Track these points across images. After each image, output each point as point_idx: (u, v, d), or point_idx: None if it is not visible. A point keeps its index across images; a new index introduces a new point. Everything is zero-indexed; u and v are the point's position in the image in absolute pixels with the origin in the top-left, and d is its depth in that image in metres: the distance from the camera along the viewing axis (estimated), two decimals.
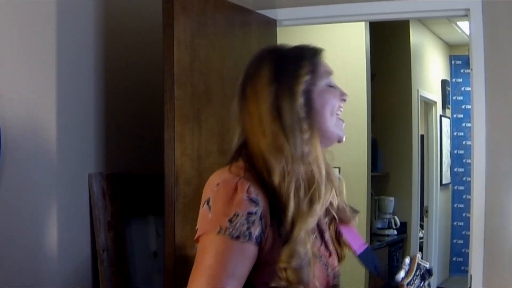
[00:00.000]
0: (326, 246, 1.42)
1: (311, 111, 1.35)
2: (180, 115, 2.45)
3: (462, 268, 6.83)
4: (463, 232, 6.99)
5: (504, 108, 2.78)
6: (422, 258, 1.50)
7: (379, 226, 5.70)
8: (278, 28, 3.17)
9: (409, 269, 1.42)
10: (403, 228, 5.74)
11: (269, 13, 3.10)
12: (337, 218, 1.48)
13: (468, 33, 2.95)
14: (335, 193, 1.46)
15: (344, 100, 1.45)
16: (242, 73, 1.44)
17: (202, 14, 2.63)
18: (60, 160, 2.49)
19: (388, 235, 5.57)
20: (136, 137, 2.98)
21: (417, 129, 5.74)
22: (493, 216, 2.75)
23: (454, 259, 7.13)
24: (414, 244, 5.73)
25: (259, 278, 1.29)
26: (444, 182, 6.74)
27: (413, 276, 1.42)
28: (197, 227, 1.30)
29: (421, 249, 5.98)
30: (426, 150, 6.38)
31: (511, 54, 2.76)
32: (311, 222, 1.30)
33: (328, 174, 1.41)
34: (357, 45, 4.79)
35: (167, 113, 2.44)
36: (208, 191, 1.30)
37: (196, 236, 1.29)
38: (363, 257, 1.49)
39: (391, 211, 5.72)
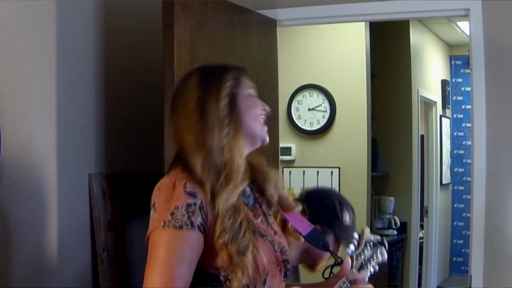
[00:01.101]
0: (271, 227, 1.58)
1: (233, 110, 1.51)
2: None
3: (462, 268, 6.83)
4: (463, 232, 6.99)
5: (504, 108, 2.78)
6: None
7: (379, 226, 5.70)
8: (278, 28, 3.17)
9: (358, 243, 1.62)
10: (403, 228, 5.73)
11: (269, 13, 3.10)
12: (280, 208, 1.64)
13: (468, 33, 2.95)
14: (273, 186, 1.63)
15: (265, 110, 1.59)
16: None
17: (202, 14, 2.63)
18: (60, 160, 2.49)
19: (388, 235, 5.56)
20: (136, 137, 2.98)
21: (417, 129, 5.73)
22: (493, 216, 2.75)
23: (454, 259, 7.13)
24: (414, 244, 5.73)
25: (210, 263, 1.42)
26: (444, 182, 6.74)
27: (363, 248, 1.61)
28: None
29: (421, 249, 5.98)
30: (426, 150, 6.38)
31: (511, 54, 2.76)
32: (228, 199, 1.43)
33: (253, 167, 1.59)
34: (357, 45, 4.79)
35: (167, 113, 2.44)
36: (153, 196, 1.46)
37: (146, 235, 1.44)
38: (310, 238, 1.67)
39: (391, 211, 5.71)
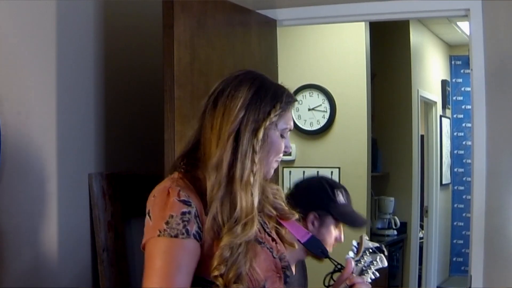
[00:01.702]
0: (269, 235, 1.56)
1: (265, 146, 1.45)
2: (180, 115, 2.45)
3: (462, 268, 6.83)
4: (463, 232, 6.99)
5: (504, 108, 2.78)
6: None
7: (379, 226, 5.70)
8: (278, 28, 3.17)
9: (357, 249, 1.61)
10: (403, 228, 5.74)
11: (269, 13, 3.10)
12: (277, 217, 1.63)
13: (468, 33, 2.95)
14: (271, 195, 1.60)
15: (286, 152, 1.55)
16: (221, 81, 1.52)
17: (202, 14, 2.63)
18: (60, 160, 2.49)
19: (388, 235, 5.57)
20: (136, 137, 2.98)
21: (417, 129, 5.74)
22: (493, 216, 2.75)
23: (454, 259, 7.14)
24: (414, 244, 5.73)
25: (207, 271, 1.40)
26: (444, 182, 6.74)
27: (362, 255, 1.61)
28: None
29: (421, 249, 5.98)
30: (426, 150, 6.38)
31: (511, 54, 2.76)
32: (236, 240, 1.38)
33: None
34: (357, 45, 4.79)
35: (167, 113, 2.44)
36: (148, 204, 1.46)
37: (142, 244, 1.45)
38: (309, 245, 1.69)
39: (391, 211, 5.72)
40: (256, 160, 1.43)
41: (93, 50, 2.73)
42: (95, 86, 2.74)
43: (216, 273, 1.37)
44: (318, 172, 4.79)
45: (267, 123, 1.45)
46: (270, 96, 1.49)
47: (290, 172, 4.89)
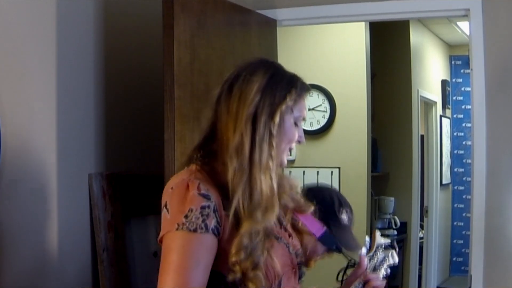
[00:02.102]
0: (285, 230, 1.56)
1: (280, 131, 1.45)
2: (180, 115, 2.45)
3: (462, 268, 6.83)
4: (463, 232, 6.99)
5: (504, 108, 2.78)
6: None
7: (379, 226, 5.70)
8: (278, 28, 3.17)
9: (370, 246, 1.61)
10: (403, 228, 5.73)
11: (269, 13, 3.10)
12: (293, 210, 1.63)
13: (468, 33, 2.95)
14: (288, 194, 1.60)
15: (299, 142, 1.53)
16: (235, 68, 1.53)
17: (202, 14, 2.63)
18: (60, 160, 2.49)
19: (388, 235, 5.56)
20: (136, 137, 2.98)
21: (417, 129, 5.73)
22: (493, 216, 2.75)
23: (454, 259, 7.13)
24: (414, 244, 5.72)
25: (225, 265, 1.38)
26: (444, 182, 6.74)
27: (375, 250, 1.60)
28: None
29: (421, 249, 5.98)
30: (426, 150, 6.38)
31: (511, 54, 2.76)
32: (256, 226, 1.38)
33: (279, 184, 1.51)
34: (357, 45, 4.79)
35: (167, 113, 2.44)
36: (165, 196, 1.41)
37: (159, 238, 1.39)
38: (323, 239, 1.68)
39: (391, 211, 5.71)
40: (274, 144, 1.42)
41: (93, 50, 2.73)
42: (95, 86, 2.74)
43: (234, 259, 1.36)
44: (318, 172, 4.79)
45: (283, 107, 1.44)
46: (285, 82, 1.48)
47: (290, 172, 4.89)
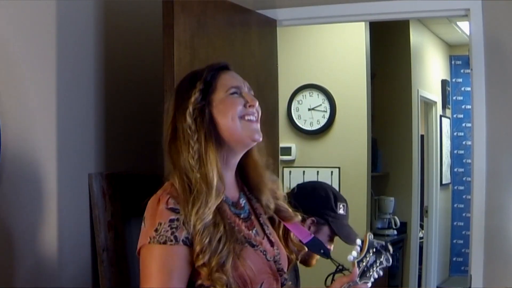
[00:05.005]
0: (267, 237, 1.58)
1: (203, 121, 1.51)
2: None
3: (462, 268, 6.83)
4: (463, 232, 6.99)
5: (504, 108, 2.78)
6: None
7: (379, 226, 5.70)
8: (278, 28, 3.17)
9: (360, 249, 1.58)
10: (403, 228, 5.74)
11: (269, 13, 3.10)
12: (277, 218, 1.66)
13: (468, 33, 2.95)
14: (270, 197, 1.64)
15: (251, 106, 1.54)
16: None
17: (202, 14, 2.63)
18: (60, 160, 2.49)
19: (388, 235, 5.57)
20: (136, 137, 2.98)
21: (417, 129, 5.74)
22: (493, 216, 2.75)
23: (454, 259, 7.13)
24: (414, 244, 5.73)
25: (202, 276, 1.44)
26: (444, 182, 6.74)
27: (365, 254, 1.58)
28: None
29: (421, 249, 5.98)
30: (426, 150, 6.38)
31: (511, 54, 2.76)
32: (201, 218, 1.43)
33: (260, 176, 1.61)
34: (357, 45, 4.80)
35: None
36: (145, 212, 1.52)
37: (137, 250, 1.49)
38: (311, 245, 1.71)
39: (391, 211, 5.72)
40: (195, 139, 1.49)
41: (93, 50, 2.73)
42: (95, 86, 2.74)
43: (200, 262, 1.41)
44: (318, 172, 4.79)
45: (191, 106, 1.51)
46: (185, 84, 1.57)
47: (290, 172, 4.89)
